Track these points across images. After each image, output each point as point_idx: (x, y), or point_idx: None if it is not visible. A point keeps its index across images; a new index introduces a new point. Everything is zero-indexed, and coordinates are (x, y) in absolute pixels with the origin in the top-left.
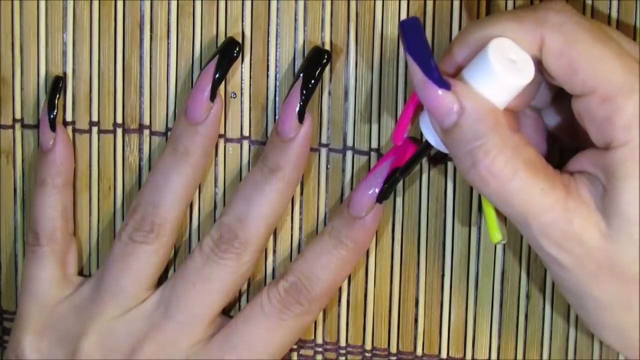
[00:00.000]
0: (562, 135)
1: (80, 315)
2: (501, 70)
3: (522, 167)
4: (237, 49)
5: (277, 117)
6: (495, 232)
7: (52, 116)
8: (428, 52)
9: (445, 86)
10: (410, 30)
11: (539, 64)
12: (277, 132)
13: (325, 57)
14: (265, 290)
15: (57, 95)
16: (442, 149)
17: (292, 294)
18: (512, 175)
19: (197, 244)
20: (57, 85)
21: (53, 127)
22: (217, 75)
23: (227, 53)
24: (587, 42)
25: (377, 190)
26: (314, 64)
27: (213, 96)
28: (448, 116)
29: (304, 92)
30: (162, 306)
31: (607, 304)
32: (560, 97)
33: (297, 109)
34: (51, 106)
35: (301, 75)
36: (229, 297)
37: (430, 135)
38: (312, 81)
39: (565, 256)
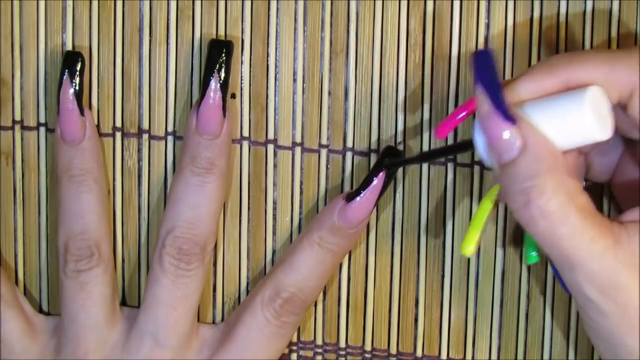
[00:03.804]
0: (597, 175)
1: None
2: (591, 121)
3: (575, 212)
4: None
5: (276, 118)
6: (469, 246)
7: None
8: (498, 85)
9: (512, 120)
10: (483, 61)
11: (616, 109)
12: (202, 132)
13: (224, 49)
14: (259, 312)
15: (77, 75)
16: (488, 160)
17: (289, 308)
18: (564, 219)
19: (150, 268)
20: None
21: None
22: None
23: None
24: None
25: (373, 204)
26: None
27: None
28: (509, 152)
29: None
30: (147, 339)
31: None
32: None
33: (221, 105)
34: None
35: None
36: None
37: (482, 146)
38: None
39: (608, 303)
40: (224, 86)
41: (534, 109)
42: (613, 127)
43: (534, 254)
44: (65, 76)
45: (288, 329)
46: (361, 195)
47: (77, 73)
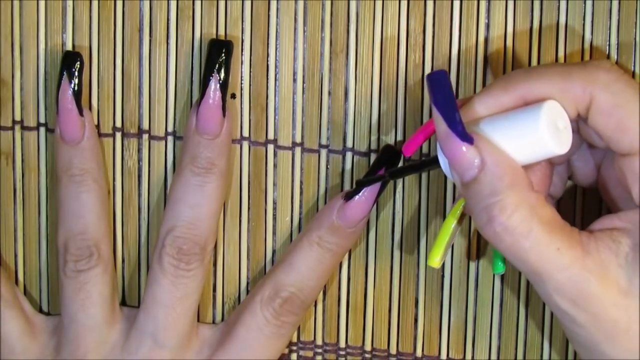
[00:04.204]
0: (582, 180)
1: None
2: (547, 136)
3: (538, 226)
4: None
5: (276, 118)
6: (436, 257)
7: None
8: (454, 105)
9: (468, 140)
10: (437, 82)
11: (580, 121)
12: (202, 132)
13: (224, 49)
14: (258, 312)
15: (76, 75)
16: (451, 178)
17: (289, 307)
18: (527, 233)
19: (149, 268)
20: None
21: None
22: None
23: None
24: (637, 102)
25: (371, 203)
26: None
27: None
28: (468, 170)
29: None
30: (147, 339)
31: None
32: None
33: (221, 105)
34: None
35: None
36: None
37: (445, 165)
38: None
39: (581, 314)
40: (224, 86)
41: (492, 125)
42: (570, 140)
43: (500, 264)
44: (64, 76)
45: (287, 328)
46: (360, 194)
47: (76, 73)
